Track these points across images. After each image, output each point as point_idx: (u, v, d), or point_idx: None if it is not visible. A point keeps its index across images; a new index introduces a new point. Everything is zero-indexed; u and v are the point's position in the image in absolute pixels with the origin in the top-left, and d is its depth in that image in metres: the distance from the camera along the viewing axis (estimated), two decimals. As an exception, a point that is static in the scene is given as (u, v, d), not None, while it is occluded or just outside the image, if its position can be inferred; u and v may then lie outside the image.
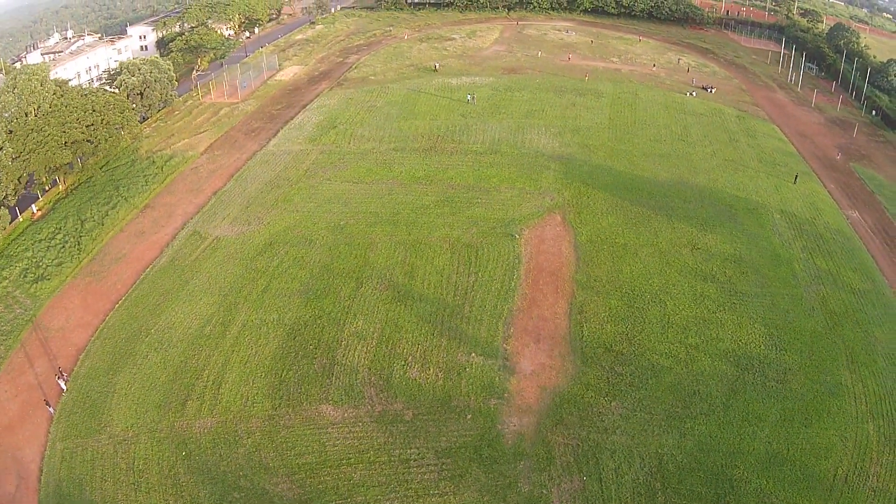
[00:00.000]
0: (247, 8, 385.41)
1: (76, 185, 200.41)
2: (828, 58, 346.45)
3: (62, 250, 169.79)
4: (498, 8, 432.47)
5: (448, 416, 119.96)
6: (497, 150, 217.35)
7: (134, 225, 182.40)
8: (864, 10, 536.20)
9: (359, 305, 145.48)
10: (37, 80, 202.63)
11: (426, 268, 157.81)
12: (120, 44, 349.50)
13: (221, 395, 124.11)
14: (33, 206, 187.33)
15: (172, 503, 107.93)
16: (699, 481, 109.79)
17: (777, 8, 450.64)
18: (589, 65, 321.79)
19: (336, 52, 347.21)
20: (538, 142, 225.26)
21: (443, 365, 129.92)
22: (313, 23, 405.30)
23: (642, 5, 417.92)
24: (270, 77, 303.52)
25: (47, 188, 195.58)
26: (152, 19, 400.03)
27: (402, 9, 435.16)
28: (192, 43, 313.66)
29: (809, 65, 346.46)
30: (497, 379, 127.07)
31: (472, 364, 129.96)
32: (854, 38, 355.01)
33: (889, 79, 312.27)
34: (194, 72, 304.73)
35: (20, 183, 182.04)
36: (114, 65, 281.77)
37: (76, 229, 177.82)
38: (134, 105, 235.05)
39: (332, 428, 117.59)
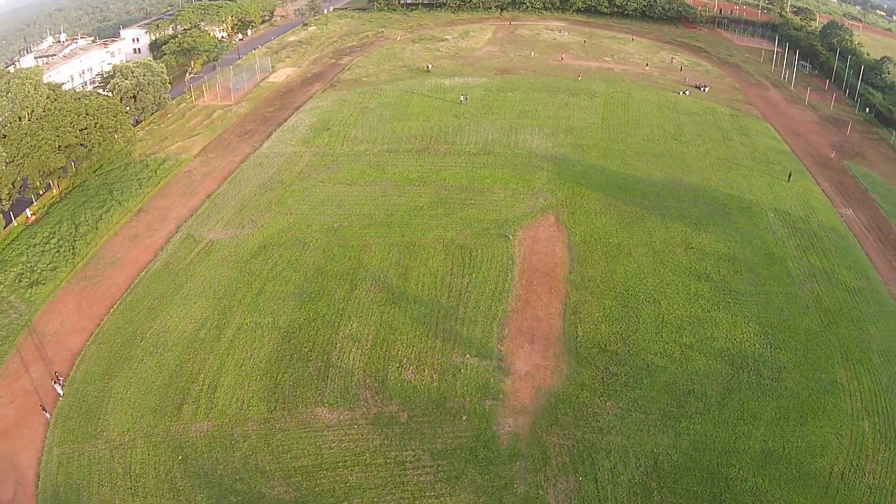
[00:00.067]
0: (239, 10, 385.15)
1: (70, 189, 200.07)
2: (821, 56, 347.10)
3: (57, 255, 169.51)
4: (490, 8, 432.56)
5: (443, 417, 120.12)
6: (490, 151, 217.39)
7: (128, 229, 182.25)
8: (858, 8, 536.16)
9: (353, 308, 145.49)
10: (30, 84, 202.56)
11: (420, 269, 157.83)
12: (113, 47, 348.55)
13: (217, 399, 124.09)
14: (27, 210, 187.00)
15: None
16: (695, 480, 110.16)
17: (770, 6, 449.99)
18: (582, 64, 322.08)
19: (329, 54, 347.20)
20: (531, 142, 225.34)
21: (437, 366, 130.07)
22: (306, 24, 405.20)
23: (635, 4, 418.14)
24: (263, 79, 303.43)
25: (41, 192, 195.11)
26: (145, 22, 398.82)
27: (394, 9, 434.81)
28: (185, 45, 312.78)
29: (803, 63, 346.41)
30: (492, 380, 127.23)
31: (466, 365, 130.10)
32: (847, 36, 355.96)
33: (883, 76, 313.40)
34: (187, 74, 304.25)
35: (14, 187, 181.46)
36: (107, 68, 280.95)
37: (70, 233, 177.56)
38: (127, 108, 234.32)
39: (328, 430, 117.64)
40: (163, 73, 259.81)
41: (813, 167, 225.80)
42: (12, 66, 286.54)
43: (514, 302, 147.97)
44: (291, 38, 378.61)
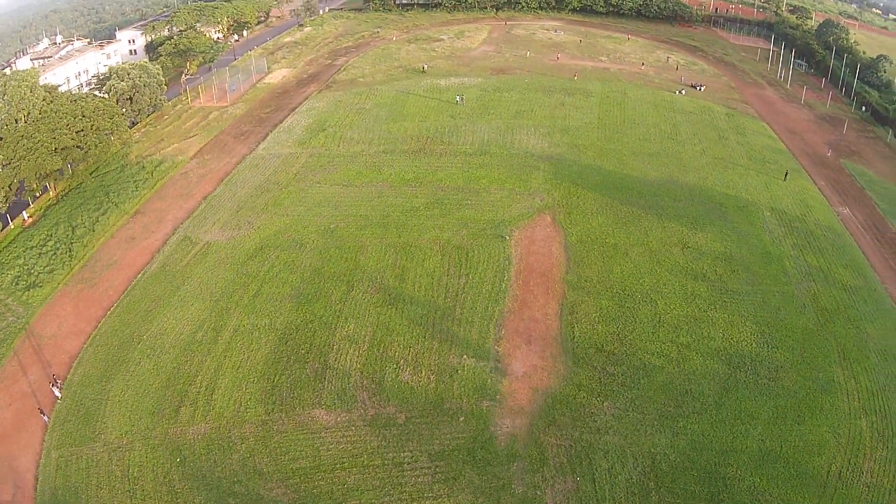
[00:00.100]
0: (235, 11, 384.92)
1: (67, 191, 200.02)
2: (817, 54, 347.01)
3: (54, 257, 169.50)
4: (486, 8, 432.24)
5: (441, 418, 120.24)
6: (486, 151, 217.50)
7: (125, 231, 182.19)
8: (854, 6, 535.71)
9: (350, 309, 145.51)
10: (26, 86, 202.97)
11: (417, 270, 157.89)
12: (109, 48, 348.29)
13: (214, 401, 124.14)
14: (24, 212, 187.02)
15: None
16: (693, 480, 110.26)
17: (766, 5, 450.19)
18: (577, 64, 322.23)
19: (324, 55, 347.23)
20: (527, 142, 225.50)
21: (435, 367, 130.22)
22: (302, 25, 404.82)
23: (631, 4, 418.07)
24: (259, 80, 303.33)
25: (38, 195, 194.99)
26: (141, 23, 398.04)
27: (390, 10, 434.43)
28: (181, 47, 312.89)
29: (799, 61, 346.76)
30: (489, 381, 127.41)
31: (463, 366, 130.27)
32: (843, 35, 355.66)
33: (879, 74, 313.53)
34: (183, 76, 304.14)
35: (11, 190, 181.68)
36: (103, 69, 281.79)
37: (67, 236, 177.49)
38: (123, 110, 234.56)
39: (326, 432, 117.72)
40: (159, 74, 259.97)
41: (809, 166, 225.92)
42: (8, 68, 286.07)
43: (511, 302, 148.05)
44: (287, 39, 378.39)
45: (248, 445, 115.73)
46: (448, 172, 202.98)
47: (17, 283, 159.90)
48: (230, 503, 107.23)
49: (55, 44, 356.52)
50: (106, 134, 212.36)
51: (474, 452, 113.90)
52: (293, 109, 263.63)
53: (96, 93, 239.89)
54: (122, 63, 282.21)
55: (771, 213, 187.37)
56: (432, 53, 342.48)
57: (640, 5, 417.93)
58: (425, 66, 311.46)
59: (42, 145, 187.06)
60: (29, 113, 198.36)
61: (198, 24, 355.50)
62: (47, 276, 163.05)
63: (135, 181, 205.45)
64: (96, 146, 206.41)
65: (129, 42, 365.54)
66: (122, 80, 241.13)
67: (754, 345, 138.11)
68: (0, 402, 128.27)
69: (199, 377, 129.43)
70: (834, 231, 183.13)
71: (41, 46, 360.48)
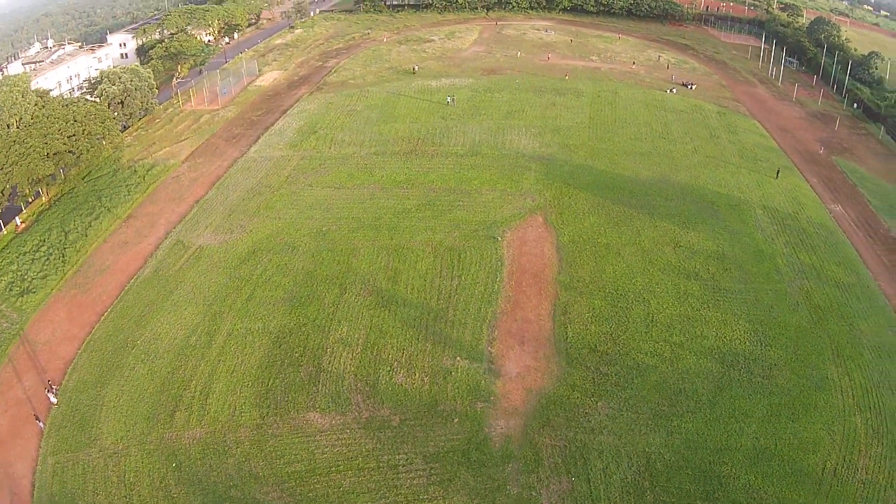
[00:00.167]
0: (226, 13, 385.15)
1: (59, 196, 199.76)
2: (808, 52, 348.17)
3: (47, 262, 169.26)
4: (476, 8, 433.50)
5: (435, 420, 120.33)
6: (477, 152, 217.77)
7: (117, 235, 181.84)
8: (845, 3, 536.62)
9: (343, 312, 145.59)
10: (18, 91, 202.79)
11: (409, 272, 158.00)
12: (100, 52, 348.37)
13: (209, 406, 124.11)
14: (17, 218, 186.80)
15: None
16: (687, 479, 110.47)
17: (757, 3, 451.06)
18: (568, 64, 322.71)
19: (315, 56, 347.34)
20: (518, 142, 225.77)
21: (428, 369, 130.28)
22: (293, 27, 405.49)
23: (621, 3, 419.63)
24: (250, 83, 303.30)
25: (30, 200, 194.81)
26: (132, 27, 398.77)
27: (380, 11, 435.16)
28: (172, 50, 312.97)
29: (790, 59, 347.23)
30: (483, 382, 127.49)
31: (457, 368, 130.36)
32: (835, 32, 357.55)
33: (870, 71, 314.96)
34: (174, 79, 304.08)
35: (3, 195, 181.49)
36: (94, 73, 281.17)
37: (60, 241, 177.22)
38: (115, 114, 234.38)
39: (320, 435, 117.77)
40: (150, 78, 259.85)
41: (801, 163, 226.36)
42: (0, 73, 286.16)
43: (504, 303, 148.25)
44: (278, 41, 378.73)
45: (244, 449, 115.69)
46: (439, 174, 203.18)
47: (10, 289, 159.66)
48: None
49: (46, 48, 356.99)
50: (98, 138, 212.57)
51: (469, 454, 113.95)
52: (284, 112, 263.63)
53: (88, 97, 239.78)
54: (114, 67, 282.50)
55: (763, 211, 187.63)
56: (423, 54, 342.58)
57: (630, 4, 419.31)
58: (416, 68, 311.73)
59: (34, 150, 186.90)
60: (21, 118, 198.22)
61: (189, 27, 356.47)
62: (41, 281, 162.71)
63: (127, 185, 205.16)
64: (88, 151, 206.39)
65: (121, 46, 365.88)
66: (114, 84, 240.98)
67: (748, 343, 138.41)
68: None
69: (194, 382, 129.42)
70: (826, 228, 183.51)
71: (32, 51, 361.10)
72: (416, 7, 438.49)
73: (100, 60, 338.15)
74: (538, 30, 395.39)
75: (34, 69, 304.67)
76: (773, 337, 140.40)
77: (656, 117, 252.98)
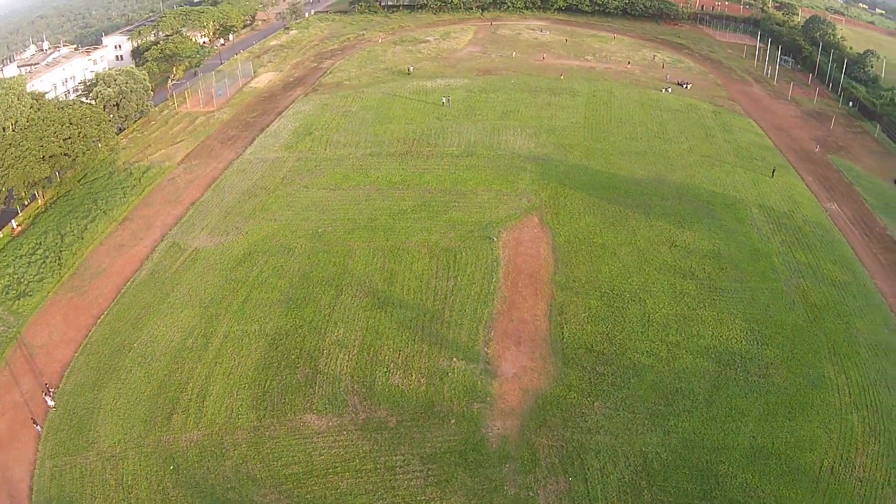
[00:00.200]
0: (221, 15, 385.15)
1: (55, 199, 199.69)
2: (804, 50, 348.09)
3: (43, 265, 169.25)
4: (472, 9, 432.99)
5: (432, 421, 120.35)
6: (473, 153, 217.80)
7: (113, 238, 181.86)
8: (840, 1, 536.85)
9: (339, 313, 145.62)
10: (13, 94, 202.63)
11: (405, 273, 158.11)
12: (95, 54, 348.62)
13: (206, 408, 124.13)
14: (13, 221, 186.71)
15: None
16: (685, 478, 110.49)
17: (752, 2, 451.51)
18: (563, 64, 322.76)
19: (310, 58, 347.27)
20: (514, 143, 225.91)
21: (425, 371, 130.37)
22: (287, 28, 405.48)
23: (616, 3, 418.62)
24: (245, 84, 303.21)
25: (26, 203, 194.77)
26: (127, 28, 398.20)
27: (375, 12, 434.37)
28: (168, 52, 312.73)
29: (785, 58, 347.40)
30: (479, 383, 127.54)
31: (453, 369, 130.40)
32: (830, 30, 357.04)
33: (866, 69, 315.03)
34: (170, 81, 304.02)
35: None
36: (90, 76, 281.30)
37: (56, 244, 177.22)
38: (110, 116, 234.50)
39: (318, 437, 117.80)
40: (145, 80, 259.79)
41: (797, 162, 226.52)
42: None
43: (500, 304, 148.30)
44: (273, 43, 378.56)
45: (241, 452, 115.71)
46: (435, 174, 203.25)
47: (7, 293, 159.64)
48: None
49: (42, 50, 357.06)
50: (93, 141, 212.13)
51: (466, 455, 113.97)
52: (280, 113, 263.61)
53: (83, 99, 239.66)
54: (109, 69, 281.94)
55: (759, 210, 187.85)
56: (418, 55, 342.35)
57: (625, 4, 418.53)
58: (411, 68, 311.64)
59: (30, 153, 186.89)
60: (17, 121, 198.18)
61: (184, 29, 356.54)
62: (37, 284, 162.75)
63: (122, 188, 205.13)
64: (84, 153, 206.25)
65: (116, 48, 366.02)
66: (109, 87, 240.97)
67: (744, 342, 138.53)
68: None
69: (191, 384, 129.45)
70: (822, 227, 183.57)
71: (28, 53, 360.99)
72: (410, 7, 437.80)
73: (95, 62, 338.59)
74: (533, 30, 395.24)
75: (30, 71, 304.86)
76: (770, 336, 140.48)
77: (652, 117, 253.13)
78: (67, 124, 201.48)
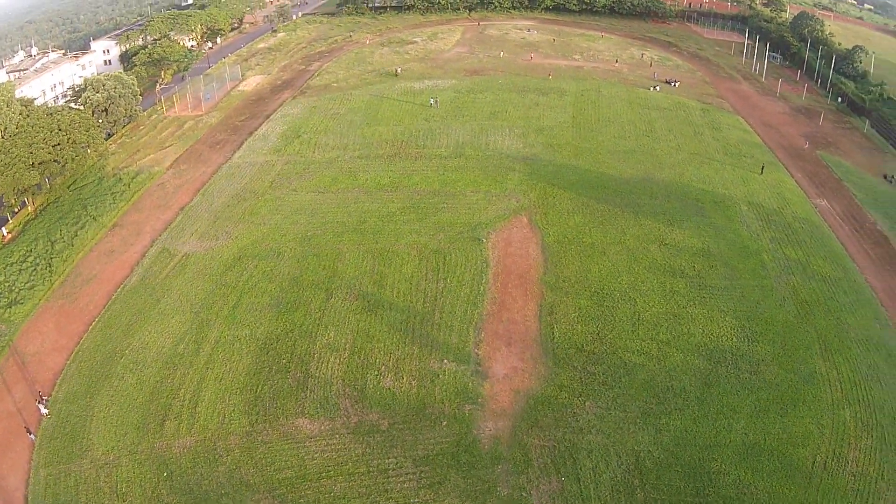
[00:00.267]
0: (209, 18, 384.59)
1: (45, 205, 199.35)
2: (792, 47, 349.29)
3: (34, 273, 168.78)
4: (459, 9, 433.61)
5: (424, 423, 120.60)
6: (461, 154, 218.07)
7: (103, 244, 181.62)
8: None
9: (330, 317, 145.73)
10: (2, 100, 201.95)
11: (395, 276, 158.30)
12: (84, 59, 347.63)
13: (199, 414, 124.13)
14: (3, 228, 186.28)
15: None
16: (677, 476, 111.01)
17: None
18: (551, 63, 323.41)
19: (298, 60, 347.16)
20: (502, 143, 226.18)
21: (416, 373, 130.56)
22: (275, 31, 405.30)
23: (604, 1, 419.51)
24: (234, 87, 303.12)
25: (16, 210, 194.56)
26: (115, 33, 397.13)
27: (363, 13, 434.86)
28: (156, 56, 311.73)
29: (773, 54, 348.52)
30: (470, 384, 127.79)
31: (444, 371, 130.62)
32: (818, 26, 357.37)
33: (854, 65, 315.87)
34: (158, 85, 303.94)
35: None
36: (78, 81, 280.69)
37: (47, 251, 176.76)
38: (99, 121, 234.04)
39: (310, 441, 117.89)
40: (133, 84, 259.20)
41: (786, 159, 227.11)
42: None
43: (490, 305, 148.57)
44: (261, 45, 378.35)
45: (234, 457, 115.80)
46: (423, 176, 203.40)
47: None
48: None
49: (30, 56, 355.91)
50: (82, 147, 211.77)
51: (458, 456, 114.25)
52: (268, 117, 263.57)
53: (72, 104, 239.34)
54: (98, 74, 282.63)
55: (748, 207, 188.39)
56: (406, 56, 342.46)
57: (613, 2, 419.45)
58: (399, 70, 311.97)
59: (20, 160, 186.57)
60: (6, 128, 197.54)
61: (172, 33, 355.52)
62: (28, 292, 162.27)
63: (112, 193, 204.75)
64: (73, 159, 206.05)
65: (104, 52, 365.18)
66: (98, 92, 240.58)
67: (735, 339, 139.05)
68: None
69: (183, 390, 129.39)
70: (812, 223, 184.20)
71: (17, 59, 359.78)
72: (398, 9, 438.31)
73: (84, 68, 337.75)
74: (521, 29, 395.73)
75: (18, 77, 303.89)
76: (760, 332, 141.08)
77: (640, 115, 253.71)
78: (56, 130, 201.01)
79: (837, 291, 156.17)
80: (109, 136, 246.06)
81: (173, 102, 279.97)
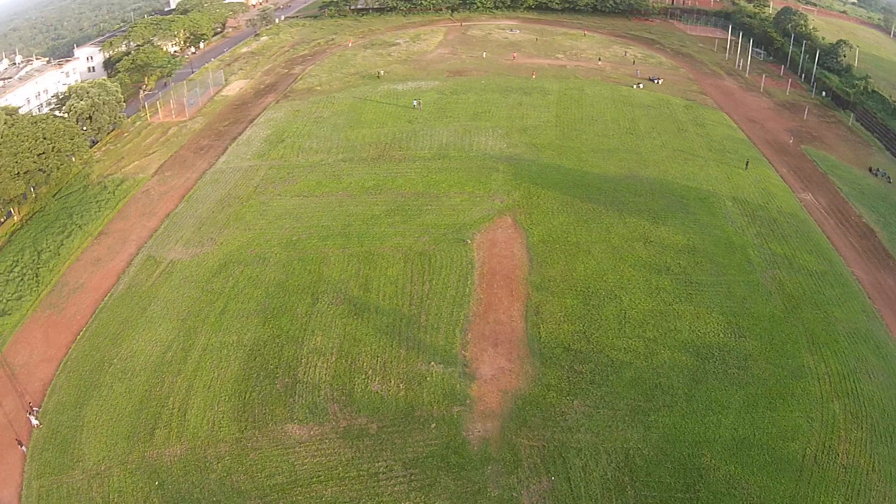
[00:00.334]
0: (191, 23, 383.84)
1: (30, 215, 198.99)
2: (776, 42, 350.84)
3: (21, 283, 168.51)
4: (441, 10, 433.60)
5: (412, 426, 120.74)
6: (445, 155, 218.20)
7: (90, 253, 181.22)
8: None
9: (316, 322, 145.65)
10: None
11: (380, 279, 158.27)
12: (68, 66, 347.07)
13: (188, 422, 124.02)
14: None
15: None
16: (667, 472, 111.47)
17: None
18: (534, 63, 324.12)
19: (281, 64, 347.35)
20: (486, 144, 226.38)
21: (403, 376, 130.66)
22: (258, 35, 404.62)
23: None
24: (217, 93, 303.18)
25: (2, 220, 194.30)
26: (99, 39, 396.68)
27: (345, 16, 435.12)
28: (139, 62, 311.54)
29: (757, 50, 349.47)
30: (458, 386, 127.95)
31: (432, 373, 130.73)
32: (802, 21, 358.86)
33: (838, 59, 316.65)
34: (141, 91, 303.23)
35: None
36: (62, 88, 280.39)
37: (34, 261, 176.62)
38: (84, 129, 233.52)
39: (300, 447, 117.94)
40: (117, 91, 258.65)
41: (770, 154, 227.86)
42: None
43: (476, 306, 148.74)
44: (244, 50, 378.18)
45: (225, 464, 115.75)
46: (407, 178, 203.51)
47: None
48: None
49: (14, 64, 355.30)
50: (67, 155, 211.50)
51: (448, 458, 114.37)
52: (251, 121, 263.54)
53: (56, 112, 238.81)
54: (81, 81, 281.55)
55: (733, 202, 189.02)
56: (388, 58, 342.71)
57: (595, 0, 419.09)
58: (381, 72, 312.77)
59: (5, 170, 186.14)
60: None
61: (154, 39, 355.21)
62: (16, 302, 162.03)
63: (97, 201, 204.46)
64: (58, 168, 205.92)
65: (88, 59, 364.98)
66: (82, 100, 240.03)
67: (722, 335, 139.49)
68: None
69: (172, 398, 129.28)
70: (797, 217, 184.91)
71: (0, 67, 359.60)
72: (380, 10, 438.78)
73: (67, 75, 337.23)
74: (503, 29, 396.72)
75: (2, 86, 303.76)
76: (748, 328, 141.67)
77: (623, 113, 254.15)
78: (41, 139, 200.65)
79: (824, 285, 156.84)
80: (94, 143, 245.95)
81: (157, 108, 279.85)
